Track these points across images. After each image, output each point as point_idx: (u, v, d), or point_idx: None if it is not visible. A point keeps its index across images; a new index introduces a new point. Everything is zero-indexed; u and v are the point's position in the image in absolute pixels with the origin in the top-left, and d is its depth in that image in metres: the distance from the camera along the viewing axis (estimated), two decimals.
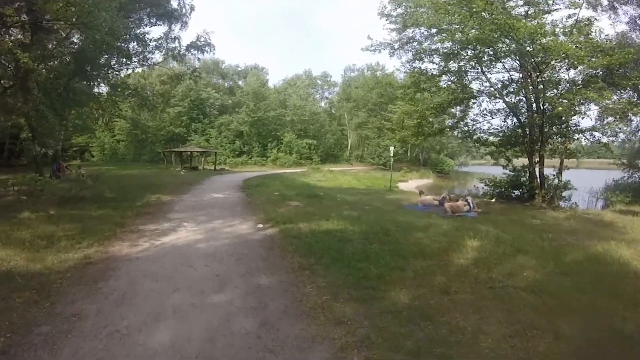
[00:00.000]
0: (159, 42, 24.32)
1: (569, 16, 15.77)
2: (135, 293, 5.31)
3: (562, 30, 15.52)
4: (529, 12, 15.95)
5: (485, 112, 19.34)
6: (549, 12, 16.00)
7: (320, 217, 10.45)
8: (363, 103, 61.02)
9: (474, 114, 20.05)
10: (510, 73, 18.20)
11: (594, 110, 16.37)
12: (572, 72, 16.58)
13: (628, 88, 16.20)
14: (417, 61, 19.09)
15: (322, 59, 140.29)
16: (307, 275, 6.07)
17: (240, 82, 72.17)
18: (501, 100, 18.30)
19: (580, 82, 15.90)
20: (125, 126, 53.36)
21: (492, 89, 18.44)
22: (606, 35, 16.03)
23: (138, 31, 22.24)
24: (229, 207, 13.56)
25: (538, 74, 15.92)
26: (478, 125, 19.93)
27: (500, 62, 17.72)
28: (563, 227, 11.19)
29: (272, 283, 5.82)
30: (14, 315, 4.43)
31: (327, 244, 7.61)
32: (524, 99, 17.39)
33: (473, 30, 15.14)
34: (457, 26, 15.81)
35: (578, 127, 17.02)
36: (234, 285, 5.71)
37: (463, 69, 18.52)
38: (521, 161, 18.65)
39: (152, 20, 23.94)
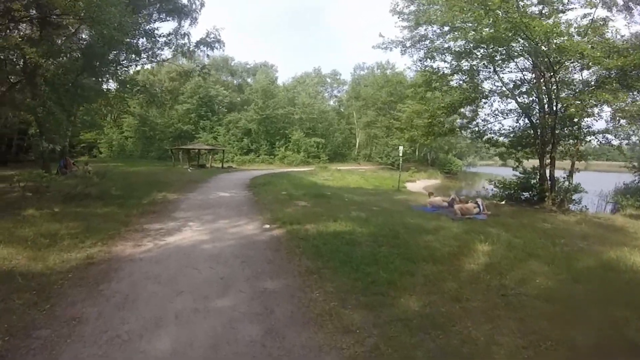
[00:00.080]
0: (169, 38, 24.28)
1: (584, 16, 15.44)
2: (137, 296, 5.16)
3: (576, 30, 15.20)
4: (543, 12, 15.64)
5: (496, 112, 19.06)
6: (563, 12, 15.67)
7: (328, 217, 10.28)
8: (372, 102, 60.69)
9: (485, 114, 19.78)
10: (523, 73, 17.94)
11: (606, 112, 16.10)
12: (585, 73, 16.31)
13: None
14: (428, 59, 18.81)
15: (332, 57, 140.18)
16: (314, 280, 5.90)
17: (249, 80, 72.22)
18: (513, 101, 18.09)
19: (593, 83, 15.57)
20: (134, 123, 53.47)
21: (504, 89, 18.16)
22: (622, 36, 15.72)
23: (147, 27, 22.15)
24: (236, 206, 13.42)
25: (551, 74, 15.60)
26: (489, 126, 19.65)
27: (513, 61, 17.41)
28: (574, 232, 10.93)
29: (278, 287, 5.65)
30: (13, 317, 4.32)
31: (335, 247, 7.44)
32: (536, 99, 17.07)
33: (486, 29, 14.86)
34: (470, 24, 15.54)
35: (590, 129, 16.72)
36: (239, 289, 5.54)
37: (475, 68, 18.22)
38: (531, 163, 18.33)
39: (161, 16, 23.88)
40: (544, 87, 16.14)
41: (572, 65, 15.93)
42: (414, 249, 7.56)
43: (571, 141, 17.36)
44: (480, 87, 18.87)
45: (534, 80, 17.18)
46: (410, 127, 22.15)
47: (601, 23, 15.41)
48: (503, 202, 16.96)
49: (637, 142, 22.97)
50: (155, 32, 22.96)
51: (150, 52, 24.06)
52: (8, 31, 14.76)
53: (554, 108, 16.06)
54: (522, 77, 17.95)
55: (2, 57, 15.44)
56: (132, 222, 9.67)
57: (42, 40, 14.93)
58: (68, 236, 7.57)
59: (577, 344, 4.21)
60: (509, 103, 18.68)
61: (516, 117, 18.68)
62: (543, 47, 14.50)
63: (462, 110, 20.42)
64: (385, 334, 4.27)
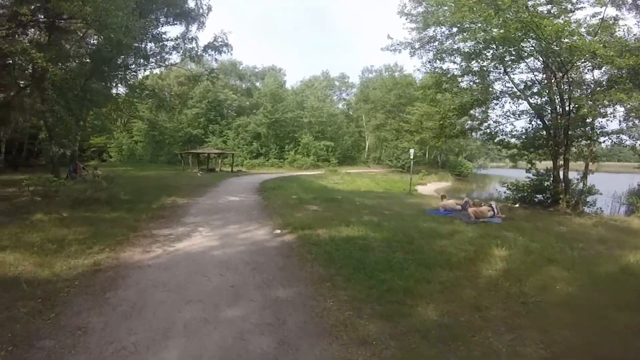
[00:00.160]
0: (177, 42, 24.28)
1: (594, 15, 15.16)
2: (145, 305, 5.00)
3: (586, 29, 14.92)
4: (552, 11, 15.35)
5: (508, 113, 18.78)
6: (572, 11, 15.38)
7: (340, 222, 10.11)
8: (381, 104, 60.62)
9: (496, 116, 19.52)
10: (534, 73, 17.65)
11: (619, 112, 15.83)
12: (596, 73, 16.09)
13: None
14: (438, 61, 18.66)
15: (339, 60, 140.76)
16: (327, 288, 5.71)
17: (257, 84, 72.34)
18: (524, 102, 17.83)
19: (604, 82, 15.31)
20: (143, 127, 53.83)
21: (515, 89, 17.90)
22: (634, 35, 15.39)
23: (155, 31, 22.17)
24: (245, 210, 13.29)
25: (563, 74, 15.37)
26: (501, 127, 19.36)
27: (524, 61, 17.15)
28: (591, 235, 10.68)
29: (291, 296, 5.46)
30: (16, 326, 4.20)
31: (348, 253, 7.27)
32: (548, 100, 16.77)
33: (496, 29, 14.63)
34: (480, 25, 15.31)
35: (604, 130, 16.46)
36: (250, 297, 5.36)
37: (485, 69, 17.97)
38: (544, 164, 18.01)
39: (169, 20, 23.89)
40: (555, 88, 15.84)
41: (583, 65, 15.68)
42: (429, 254, 7.38)
43: (584, 142, 17.05)
44: (491, 88, 18.62)
45: (545, 81, 16.91)
46: (421, 130, 21.92)
47: (611, 22, 15.14)
48: (517, 205, 16.65)
49: None
50: (163, 36, 22.97)
51: (158, 57, 24.08)
52: (16, 36, 14.74)
53: (567, 109, 15.83)
54: (533, 78, 17.70)
55: (10, 61, 15.46)
56: (141, 228, 9.55)
57: (50, 45, 14.93)
58: (76, 242, 7.47)
59: (602, 355, 4.09)
60: (521, 104, 18.44)
61: (528, 119, 18.43)
62: (554, 47, 14.25)
63: (472, 111, 20.19)
64: (403, 345, 4.10)
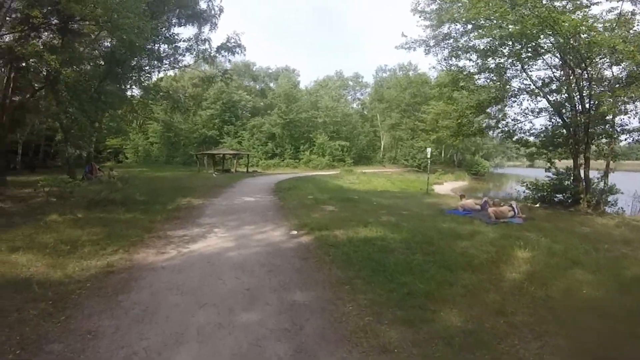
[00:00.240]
0: (190, 44, 24.45)
1: (610, 10, 14.72)
2: (158, 308, 4.85)
3: (602, 25, 14.48)
4: (567, 7, 14.95)
5: (526, 111, 18.38)
6: (588, 7, 14.95)
7: (357, 223, 9.92)
8: (396, 104, 60.27)
9: (514, 113, 19.13)
10: (552, 70, 17.26)
11: None
12: (615, 69, 15.56)
13: None
14: (453, 58, 18.40)
15: (349, 60, 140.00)
16: (346, 291, 5.49)
17: (271, 84, 72.50)
18: (542, 99, 17.43)
19: (624, 79, 14.85)
20: (158, 129, 54.34)
21: (533, 87, 17.53)
22: None
23: (168, 33, 22.34)
24: (261, 211, 13.14)
25: (581, 70, 15.04)
26: (519, 125, 18.95)
27: (541, 58, 16.79)
28: (615, 236, 10.34)
29: (308, 300, 5.25)
30: (26, 329, 4.13)
31: (367, 254, 7.06)
32: (567, 97, 16.36)
33: (512, 25, 14.30)
34: (495, 21, 14.99)
35: (625, 127, 15.96)
36: (266, 301, 5.16)
37: (502, 66, 17.61)
38: (563, 163, 17.62)
39: (181, 22, 24.04)
40: (574, 85, 15.45)
41: (601, 61, 15.26)
42: (450, 256, 7.17)
43: (604, 140, 16.54)
44: (508, 86, 18.28)
45: (564, 78, 16.54)
46: (437, 128, 21.65)
47: (629, 17, 14.68)
48: (537, 205, 16.24)
49: None
50: (176, 37, 23.15)
51: (172, 58, 24.36)
52: (30, 39, 14.86)
53: (586, 106, 15.45)
54: (551, 75, 17.29)
55: (23, 64, 15.58)
56: (156, 229, 9.44)
57: (64, 47, 15.03)
58: (89, 243, 7.41)
59: None
60: (539, 101, 17.98)
61: (548, 116, 18.03)
62: (572, 43, 13.88)
63: (490, 110, 19.93)
64: (427, 353, 3.91)
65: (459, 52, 17.98)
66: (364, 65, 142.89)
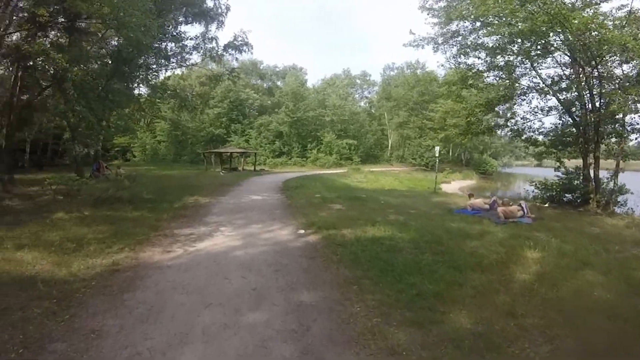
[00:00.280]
0: (197, 42, 24.48)
1: (620, 7, 14.55)
2: (163, 308, 4.79)
3: (612, 22, 14.28)
4: (576, 4, 14.75)
5: (536, 109, 18.24)
6: (597, 4, 14.75)
7: (365, 222, 9.83)
8: (404, 102, 59.95)
9: (523, 112, 19.03)
10: (562, 68, 17.11)
11: None
12: (625, 67, 15.36)
13: None
14: (462, 56, 18.25)
15: (360, 58, 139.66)
16: (354, 292, 5.40)
17: (279, 83, 72.30)
18: (552, 98, 17.30)
19: (634, 77, 14.72)
20: (166, 127, 54.43)
21: (542, 85, 17.40)
22: None
23: (175, 32, 22.38)
24: (268, 210, 13.06)
25: (591, 69, 14.86)
26: (528, 124, 18.77)
27: (551, 56, 16.66)
28: (625, 237, 10.18)
29: (315, 300, 5.16)
30: (29, 327, 4.09)
31: (375, 254, 6.97)
32: (577, 95, 16.20)
33: (521, 23, 14.15)
34: (504, 18, 14.84)
35: (635, 126, 15.80)
36: (272, 301, 5.08)
37: (511, 64, 17.47)
38: (572, 163, 17.51)
39: (188, 20, 24.07)
40: (584, 83, 15.30)
41: (612, 59, 15.06)
42: (459, 256, 7.07)
43: (614, 139, 16.38)
44: (517, 84, 18.16)
45: (573, 76, 16.38)
46: (445, 127, 21.51)
47: (639, 14, 14.46)
48: (546, 205, 16.06)
49: None
50: (183, 35, 23.21)
51: (179, 57, 24.37)
52: (37, 37, 14.90)
53: (597, 104, 15.29)
54: (561, 73, 17.15)
55: (30, 63, 15.63)
56: (162, 227, 9.40)
57: (71, 46, 15.06)
58: (95, 241, 7.38)
59: None
60: (549, 100, 17.88)
61: (558, 115, 17.91)
62: (583, 40, 13.70)
63: (498, 108, 19.85)
64: (436, 356, 3.84)
65: (468, 50, 17.88)
66: (371, 63, 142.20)
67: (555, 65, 17.18)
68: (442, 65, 20.80)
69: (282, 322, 4.49)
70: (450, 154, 58.15)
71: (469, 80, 18.98)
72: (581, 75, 15.56)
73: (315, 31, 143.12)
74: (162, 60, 23.36)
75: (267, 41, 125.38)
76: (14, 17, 15.15)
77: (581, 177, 16.41)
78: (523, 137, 19.21)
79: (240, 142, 53.96)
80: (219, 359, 3.72)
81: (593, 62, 14.62)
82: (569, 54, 15.90)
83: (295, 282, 5.83)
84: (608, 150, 16.49)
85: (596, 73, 15.01)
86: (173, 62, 24.63)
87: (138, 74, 22.28)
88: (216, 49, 25.90)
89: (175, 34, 22.57)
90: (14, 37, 15.95)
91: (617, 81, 15.09)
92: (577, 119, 16.38)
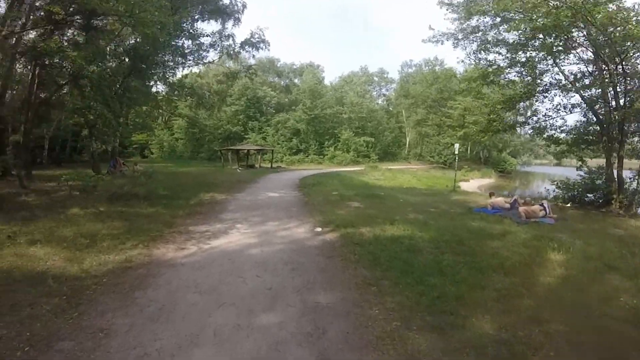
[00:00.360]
0: (213, 39, 24.57)
1: None
2: (174, 307, 4.64)
3: (636, 17, 13.80)
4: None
5: (558, 107, 17.75)
6: None
7: (384, 220, 9.62)
8: (422, 99, 59.34)
9: (545, 109, 18.57)
10: (587, 65, 16.57)
11: None
12: None
13: None
14: (482, 52, 17.98)
15: (377, 55, 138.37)
16: (372, 293, 5.18)
17: (296, 80, 72.22)
18: (575, 95, 16.85)
19: None
20: (183, 125, 54.76)
21: (565, 82, 16.89)
22: None
23: (191, 29, 22.46)
24: (285, 207, 12.90)
25: (615, 65, 14.43)
26: (551, 122, 18.29)
27: (574, 52, 16.18)
28: None
29: (332, 302, 4.94)
30: (37, 325, 4.00)
31: (394, 254, 6.75)
32: (600, 92, 15.74)
33: (542, 19, 13.76)
34: (525, 14, 14.46)
35: None
36: (288, 302, 4.88)
37: (532, 60, 17.05)
38: (594, 162, 17.14)
39: (204, 17, 24.15)
40: (607, 80, 14.79)
41: (636, 55, 14.60)
42: (481, 256, 6.86)
43: (638, 138, 16.15)
44: (539, 80, 17.74)
45: (597, 72, 15.88)
46: (464, 124, 21.16)
47: None
48: (569, 205, 15.60)
49: None
50: (199, 33, 23.29)
51: (196, 54, 24.40)
52: (53, 35, 15.00)
53: (621, 102, 14.81)
54: (585, 69, 16.62)
55: (47, 61, 15.74)
56: (177, 224, 9.30)
57: (87, 44, 15.13)
58: (109, 237, 7.31)
59: None
60: (572, 97, 17.40)
61: (582, 112, 17.43)
62: (607, 36, 13.28)
63: (519, 105, 19.41)
64: None
65: (488, 46, 17.59)
66: (388, 61, 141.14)
67: (577, 62, 16.73)
68: (462, 62, 20.56)
69: (297, 324, 4.30)
70: (469, 151, 57.48)
71: (490, 77, 18.55)
72: (605, 72, 15.11)
73: (332, 28, 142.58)
74: (179, 58, 23.47)
75: (283, 39, 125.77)
76: (31, 16, 15.28)
77: (604, 177, 15.90)
78: (545, 135, 18.72)
79: (258, 139, 54.21)
80: None
81: (617, 59, 14.16)
82: (592, 50, 15.44)
83: (311, 282, 5.63)
84: (632, 149, 16.13)
85: (620, 70, 14.56)
86: (190, 60, 24.77)
87: (155, 71, 22.43)
88: (233, 46, 26.03)
89: (191, 31, 22.61)
90: (31, 35, 16.10)
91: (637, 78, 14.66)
92: (601, 117, 15.91)
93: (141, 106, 24.82)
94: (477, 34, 17.79)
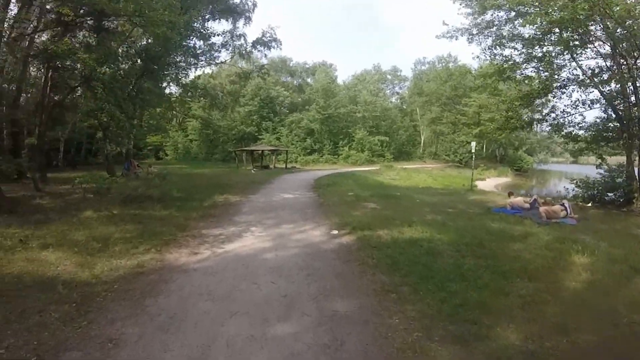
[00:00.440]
0: (225, 39, 24.59)
1: None
2: (186, 316, 4.48)
3: None
4: None
5: (577, 103, 17.41)
6: None
7: (402, 222, 9.37)
8: (436, 97, 58.93)
9: (564, 105, 18.19)
10: (605, 59, 16.23)
11: None
12: None
13: None
14: (497, 47, 17.78)
15: (389, 53, 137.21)
16: (392, 300, 4.95)
17: (309, 80, 71.99)
18: (594, 90, 16.52)
19: None
20: (197, 126, 55.07)
21: (582, 77, 16.61)
22: None
23: (202, 29, 22.48)
24: (300, 209, 12.74)
25: (634, 60, 14.21)
26: (569, 118, 17.94)
27: (591, 46, 15.92)
28: None
29: (350, 310, 4.72)
30: (45, 333, 3.91)
31: (413, 257, 6.52)
32: (619, 88, 15.42)
33: (558, 12, 13.47)
34: (541, 7, 14.18)
35: None
36: (304, 311, 4.68)
37: (549, 55, 16.75)
38: (614, 160, 16.76)
39: (215, 16, 24.16)
40: (626, 74, 14.48)
41: None
42: (503, 260, 6.57)
43: None
44: (557, 75, 17.42)
45: (615, 67, 15.55)
46: (479, 122, 20.86)
47: None
48: (589, 204, 15.19)
49: None
50: (210, 32, 23.30)
51: (208, 55, 24.41)
52: (65, 37, 15.06)
53: None
54: (603, 64, 16.32)
55: (59, 63, 15.79)
56: (190, 227, 9.19)
57: (98, 45, 15.17)
58: (121, 241, 7.24)
59: None
60: (590, 93, 17.05)
61: (601, 108, 17.13)
62: (626, 29, 12.96)
63: (537, 102, 19.22)
64: None
65: (504, 41, 17.41)
66: (401, 59, 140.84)
67: (595, 56, 16.42)
68: (477, 57, 20.21)
69: (313, 334, 4.09)
70: (485, 150, 56.78)
71: (506, 73, 18.23)
72: (623, 67, 14.84)
73: (343, 27, 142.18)
74: (191, 59, 23.50)
75: (295, 38, 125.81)
76: (42, 18, 15.36)
77: (624, 175, 15.48)
78: (563, 132, 18.34)
79: (272, 139, 54.17)
80: None
81: (636, 53, 13.98)
82: (609, 44, 15.13)
83: (328, 288, 5.43)
84: None
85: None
86: (202, 60, 24.79)
87: (168, 72, 22.50)
88: (245, 45, 26.01)
89: (202, 30, 22.60)
90: (43, 38, 16.19)
91: None
92: (620, 113, 15.53)
93: (155, 108, 24.90)
94: (492, 29, 17.61)
